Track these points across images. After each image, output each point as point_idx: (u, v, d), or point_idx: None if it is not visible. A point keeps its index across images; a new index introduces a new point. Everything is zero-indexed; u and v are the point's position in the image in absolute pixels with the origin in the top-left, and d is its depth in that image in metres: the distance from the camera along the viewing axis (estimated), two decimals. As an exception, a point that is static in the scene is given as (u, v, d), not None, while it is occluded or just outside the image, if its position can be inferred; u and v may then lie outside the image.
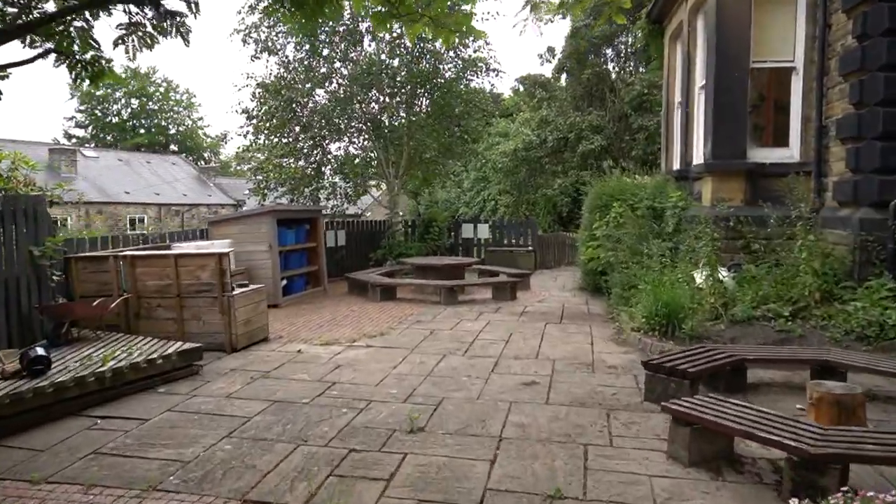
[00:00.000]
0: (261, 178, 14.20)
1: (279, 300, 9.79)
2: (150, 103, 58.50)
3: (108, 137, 56.57)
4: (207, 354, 6.56)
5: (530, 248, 15.44)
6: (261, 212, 9.86)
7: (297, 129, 12.91)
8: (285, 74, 13.02)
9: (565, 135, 21.34)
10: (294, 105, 12.63)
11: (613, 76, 23.63)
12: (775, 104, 10.09)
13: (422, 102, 14.41)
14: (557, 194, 22.02)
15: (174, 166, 47.55)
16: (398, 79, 13.04)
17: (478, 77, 14.51)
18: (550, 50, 23.71)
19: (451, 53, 14.03)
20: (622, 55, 22.66)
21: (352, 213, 19.01)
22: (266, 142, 13.46)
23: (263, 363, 6.37)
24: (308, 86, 12.78)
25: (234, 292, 6.99)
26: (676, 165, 11.78)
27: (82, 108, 56.02)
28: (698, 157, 10.45)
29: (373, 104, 13.63)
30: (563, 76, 24.05)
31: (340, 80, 13.24)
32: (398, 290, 10.58)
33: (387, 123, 13.49)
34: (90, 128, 57.32)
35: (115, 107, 57.31)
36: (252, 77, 13.20)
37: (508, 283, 10.35)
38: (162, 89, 58.47)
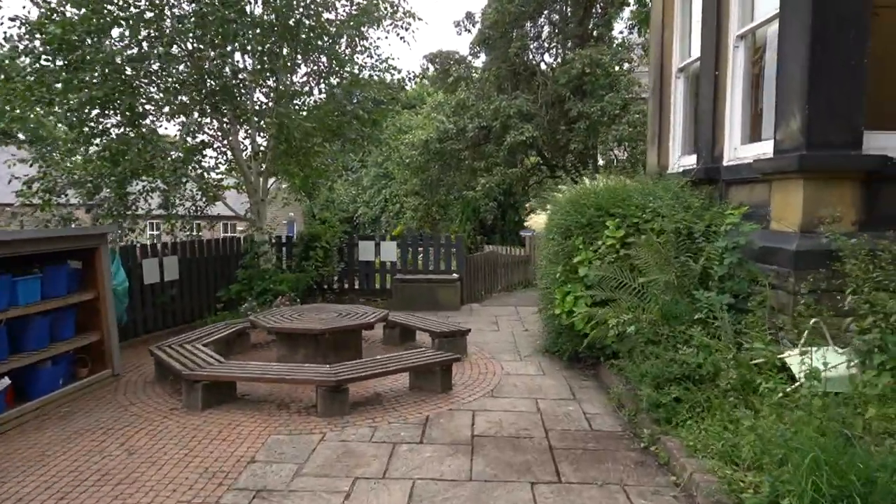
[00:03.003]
0: (35, 174, 8.86)
1: (-20, 426, 4.82)
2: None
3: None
4: None
5: (455, 275, 11.10)
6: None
7: (79, 94, 7.64)
8: (60, 6, 7.77)
9: (489, 123, 17.19)
10: (70, 56, 7.41)
11: (542, 56, 19.81)
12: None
13: (293, 64, 9.64)
14: (481, 197, 17.84)
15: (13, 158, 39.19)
16: (247, 19, 8.15)
17: (378, 30, 9.94)
18: (469, 17, 19.43)
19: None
20: (557, 27, 18.79)
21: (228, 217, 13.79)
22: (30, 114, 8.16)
23: None
24: (101, 22, 7.58)
25: None
26: (683, 161, 7.85)
27: None
28: (739, 149, 6.53)
29: (214, 60, 8.63)
30: (483, 54, 19.90)
31: (150, 19, 8.03)
32: (239, 385, 5.85)
33: (222, 84, 8.42)
34: None
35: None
36: (-1, 13, 7.84)
37: (437, 365, 5.90)
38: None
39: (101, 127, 8.18)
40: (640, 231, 6.30)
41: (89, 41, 7.47)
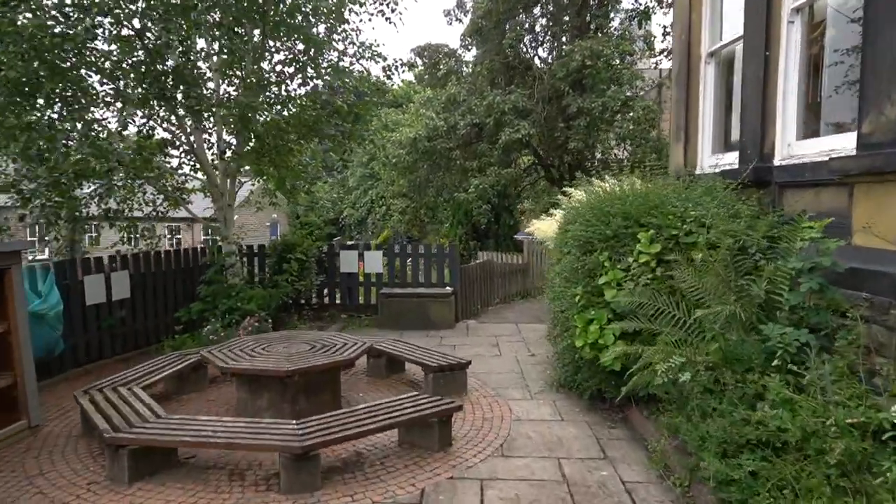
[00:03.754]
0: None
1: None
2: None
3: None
4: None
5: (448, 289, 9.91)
6: None
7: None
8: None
9: (481, 120, 16.00)
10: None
11: (536, 50, 18.69)
12: None
13: (262, 50, 8.39)
14: (473, 199, 16.66)
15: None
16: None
17: (361, 10, 8.73)
18: (461, 5, 18.20)
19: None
20: (553, 18, 17.62)
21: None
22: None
23: None
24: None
25: None
26: (720, 160, 6.69)
27: None
28: (793, 145, 5.43)
29: (160, 38, 7.22)
30: (474, 48, 18.71)
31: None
32: (182, 449, 4.59)
33: (174, 68, 6.97)
34: None
35: None
36: None
37: (435, 416, 4.70)
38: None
39: (25, 118, 6.82)
40: (679, 245, 5.17)
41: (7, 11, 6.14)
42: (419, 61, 19.89)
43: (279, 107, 9.22)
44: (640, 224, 5.48)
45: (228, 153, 9.06)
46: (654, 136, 16.04)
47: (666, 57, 19.25)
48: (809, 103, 5.63)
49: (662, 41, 18.40)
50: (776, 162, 5.58)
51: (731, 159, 6.30)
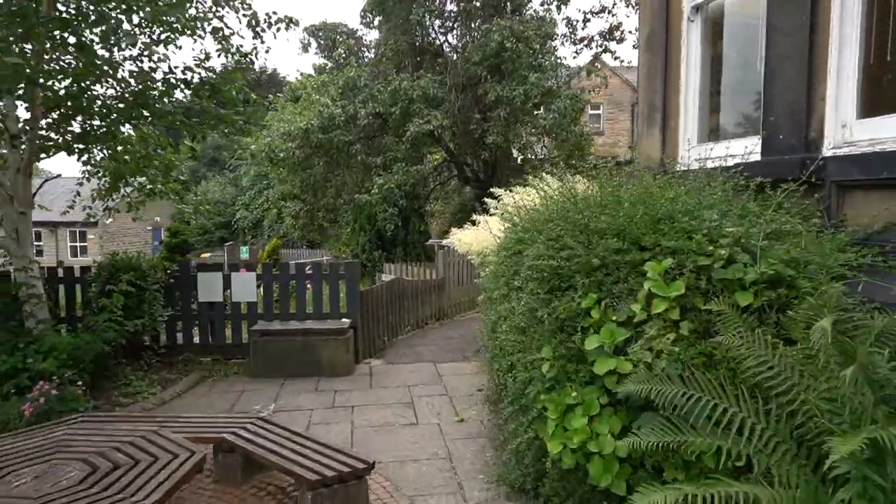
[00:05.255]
0: None
1: None
2: None
3: None
4: None
5: (346, 321, 7.56)
6: None
7: None
8: None
9: (386, 109, 13.69)
10: None
11: (445, 37, 16.65)
12: None
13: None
14: (378, 201, 14.28)
15: None
16: None
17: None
18: (360, -26, 15.86)
19: None
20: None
21: None
22: None
23: None
24: None
25: None
26: (728, 149, 4.76)
27: None
28: (853, 126, 3.61)
29: None
30: (377, 31, 16.39)
31: None
32: None
33: None
34: None
35: None
36: None
37: None
38: None
39: None
40: (711, 283, 3.16)
41: None
42: (314, 43, 17.32)
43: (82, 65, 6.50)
44: (640, 247, 3.46)
45: (25, 143, 6.33)
46: (577, 131, 14.45)
47: (586, 46, 17.84)
48: (871, 65, 3.85)
49: (583, 28, 16.93)
50: (828, 151, 3.74)
51: (750, 146, 4.40)
